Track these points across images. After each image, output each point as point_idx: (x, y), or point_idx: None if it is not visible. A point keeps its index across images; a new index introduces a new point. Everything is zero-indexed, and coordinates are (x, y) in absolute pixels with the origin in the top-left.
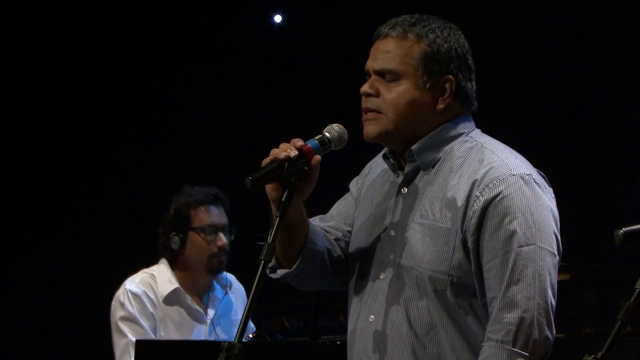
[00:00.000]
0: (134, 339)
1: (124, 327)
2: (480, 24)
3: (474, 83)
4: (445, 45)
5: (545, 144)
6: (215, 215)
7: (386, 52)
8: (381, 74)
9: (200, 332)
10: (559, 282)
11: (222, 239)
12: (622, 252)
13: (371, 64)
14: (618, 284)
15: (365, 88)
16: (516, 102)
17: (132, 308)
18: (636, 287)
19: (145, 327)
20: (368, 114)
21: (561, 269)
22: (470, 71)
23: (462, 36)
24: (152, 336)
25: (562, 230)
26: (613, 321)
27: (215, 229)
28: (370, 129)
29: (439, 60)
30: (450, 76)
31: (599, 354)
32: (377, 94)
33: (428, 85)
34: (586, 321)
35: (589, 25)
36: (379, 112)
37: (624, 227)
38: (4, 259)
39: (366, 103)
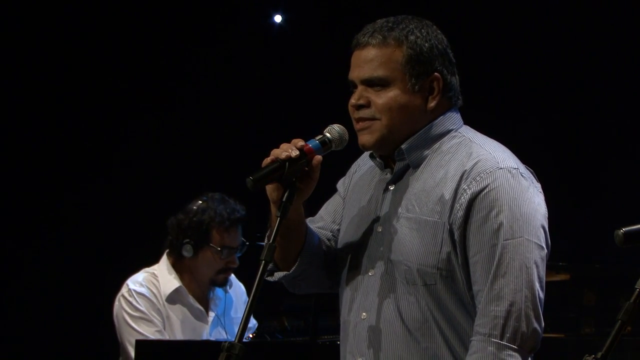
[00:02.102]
0: (152, 336)
1: (137, 325)
2: (471, 34)
3: (457, 76)
4: (426, 44)
5: (545, 144)
6: (234, 237)
7: (370, 61)
8: (369, 82)
9: (202, 331)
10: (559, 282)
11: (235, 260)
12: (622, 252)
13: (357, 74)
14: (618, 284)
15: (354, 100)
16: (514, 103)
17: (142, 306)
18: (636, 287)
19: (158, 323)
20: (361, 123)
21: (561, 269)
22: (452, 65)
23: (439, 31)
24: (165, 332)
25: (562, 230)
26: (613, 321)
27: (231, 251)
28: (367, 138)
29: (424, 61)
30: (437, 74)
31: (599, 354)
32: (368, 104)
33: (417, 87)
34: (586, 321)
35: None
36: (372, 119)
37: (624, 227)
38: (4, 259)
39: (358, 114)
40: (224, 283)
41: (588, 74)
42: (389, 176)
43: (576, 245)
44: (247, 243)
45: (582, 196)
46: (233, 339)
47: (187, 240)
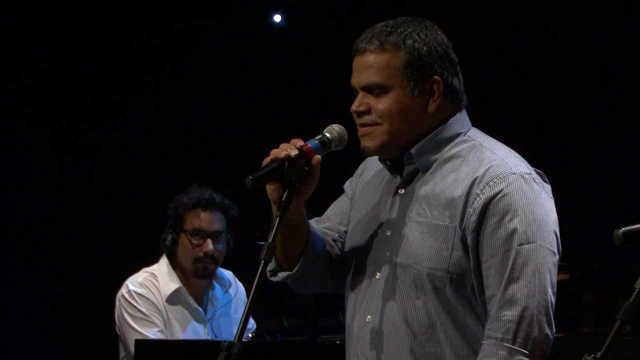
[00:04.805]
0: (154, 337)
1: (139, 326)
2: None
3: (460, 76)
4: (424, 48)
5: (545, 143)
6: (205, 220)
7: (368, 67)
8: (368, 89)
9: (201, 332)
10: (558, 282)
11: (209, 245)
12: (622, 252)
13: (357, 81)
14: (618, 284)
15: (355, 107)
16: (514, 102)
17: (142, 307)
18: (636, 286)
19: (159, 323)
20: (363, 129)
21: (561, 269)
22: (454, 65)
23: (439, 32)
24: (166, 332)
25: (562, 230)
26: (613, 321)
27: (202, 234)
28: (369, 143)
29: (422, 65)
30: (436, 77)
31: (599, 354)
32: (369, 110)
33: (416, 91)
34: (586, 321)
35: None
36: (374, 124)
37: (623, 227)
38: (2, 261)
39: (360, 120)
40: (204, 273)
41: (589, 74)
42: (398, 179)
43: (576, 245)
44: (230, 235)
45: (583, 196)
46: (232, 339)
47: (169, 231)
